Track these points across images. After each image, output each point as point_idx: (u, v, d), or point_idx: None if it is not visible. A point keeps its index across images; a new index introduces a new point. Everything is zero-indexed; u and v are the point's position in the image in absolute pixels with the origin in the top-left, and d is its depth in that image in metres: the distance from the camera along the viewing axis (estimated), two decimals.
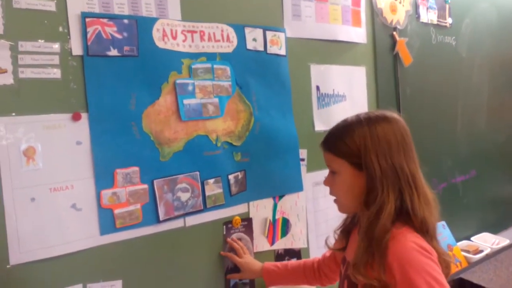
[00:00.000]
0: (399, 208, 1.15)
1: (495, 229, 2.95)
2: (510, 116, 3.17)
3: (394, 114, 1.25)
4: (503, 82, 3.09)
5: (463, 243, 2.71)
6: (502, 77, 3.08)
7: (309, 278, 1.61)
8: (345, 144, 1.21)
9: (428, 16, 2.52)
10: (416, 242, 1.10)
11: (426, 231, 1.15)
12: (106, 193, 1.44)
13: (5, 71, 1.27)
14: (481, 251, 2.63)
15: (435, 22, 2.57)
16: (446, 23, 2.63)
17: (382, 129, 1.19)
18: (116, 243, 1.46)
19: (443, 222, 2.55)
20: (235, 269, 1.73)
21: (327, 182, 1.32)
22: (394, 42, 2.33)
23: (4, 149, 1.27)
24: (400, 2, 2.35)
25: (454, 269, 2.44)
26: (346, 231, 1.40)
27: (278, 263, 1.66)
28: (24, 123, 1.30)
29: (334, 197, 1.32)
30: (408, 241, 1.10)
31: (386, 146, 1.17)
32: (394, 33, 2.33)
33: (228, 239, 1.74)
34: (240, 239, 1.76)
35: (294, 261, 1.68)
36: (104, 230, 1.43)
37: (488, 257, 2.60)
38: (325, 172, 1.91)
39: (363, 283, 1.15)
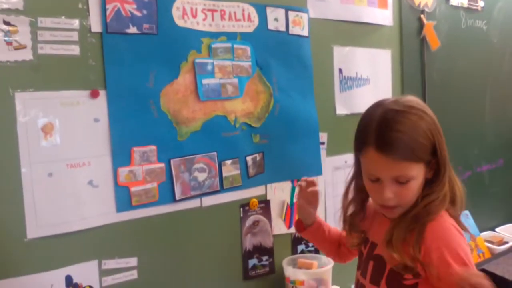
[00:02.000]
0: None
1: None
2: None
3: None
4: None
5: (487, 234, 2.64)
6: None
7: (334, 251, 1.49)
8: (421, 144, 1.09)
9: None
10: (454, 224, 1.13)
11: (459, 216, 1.17)
12: (123, 171, 1.44)
13: (24, 47, 1.28)
14: (506, 242, 2.56)
15: (466, 5, 2.48)
16: (477, 6, 2.55)
17: (432, 119, 1.14)
18: (131, 220, 1.47)
19: (467, 212, 2.49)
20: (252, 251, 1.74)
21: (393, 193, 1.11)
22: (421, 26, 2.27)
23: (22, 124, 1.27)
24: None
25: (476, 259, 2.39)
26: (363, 213, 1.35)
27: (327, 224, 1.48)
28: (42, 99, 1.30)
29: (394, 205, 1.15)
30: (447, 222, 1.12)
31: (441, 135, 1.14)
32: (422, 16, 2.26)
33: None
34: (258, 221, 1.75)
35: (334, 230, 1.49)
36: (120, 208, 1.44)
37: None
38: (345, 157, 1.87)
39: (395, 263, 1.12)
